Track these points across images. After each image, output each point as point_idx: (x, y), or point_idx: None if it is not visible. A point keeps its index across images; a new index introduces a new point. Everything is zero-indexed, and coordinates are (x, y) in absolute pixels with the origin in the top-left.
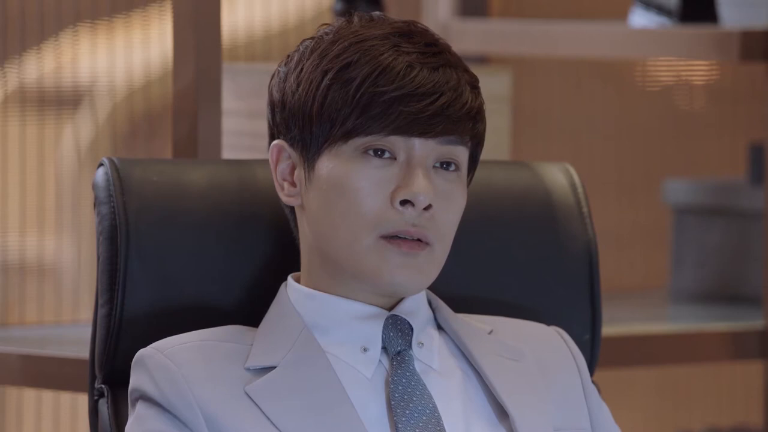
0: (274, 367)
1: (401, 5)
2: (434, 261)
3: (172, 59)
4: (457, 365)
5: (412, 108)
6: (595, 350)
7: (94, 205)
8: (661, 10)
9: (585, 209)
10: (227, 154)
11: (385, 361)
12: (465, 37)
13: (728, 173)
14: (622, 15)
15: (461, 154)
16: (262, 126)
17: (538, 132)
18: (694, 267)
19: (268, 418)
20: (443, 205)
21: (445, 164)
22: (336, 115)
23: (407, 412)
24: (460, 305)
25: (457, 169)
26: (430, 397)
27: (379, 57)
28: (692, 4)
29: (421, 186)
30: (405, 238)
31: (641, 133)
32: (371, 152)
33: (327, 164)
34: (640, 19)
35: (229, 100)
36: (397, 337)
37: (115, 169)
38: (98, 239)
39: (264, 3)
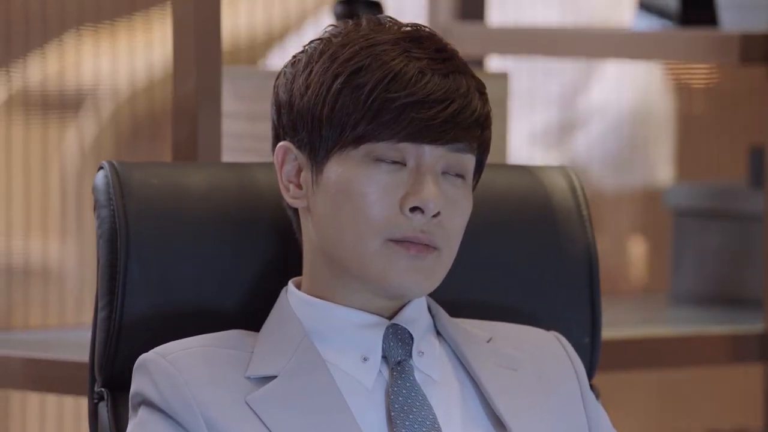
0: (275, 377)
1: (400, 8)
2: (441, 265)
3: (172, 62)
4: (455, 374)
5: (424, 115)
6: (594, 353)
7: (94, 208)
8: (661, 13)
9: (585, 212)
10: (227, 156)
11: (385, 371)
12: (464, 40)
13: (728, 176)
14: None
15: (469, 160)
16: (263, 128)
17: None
18: (693, 270)
19: (268, 429)
20: (451, 211)
21: (453, 170)
22: (347, 120)
23: (407, 423)
24: (460, 309)
25: (465, 175)
26: (431, 408)
27: (390, 62)
28: (692, 7)
29: (431, 193)
30: (413, 242)
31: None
32: (381, 157)
33: (336, 168)
34: (641, 22)
35: (229, 103)
36: (398, 346)
37: (115, 172)
38: (98, 242)
39: (265, 6)
